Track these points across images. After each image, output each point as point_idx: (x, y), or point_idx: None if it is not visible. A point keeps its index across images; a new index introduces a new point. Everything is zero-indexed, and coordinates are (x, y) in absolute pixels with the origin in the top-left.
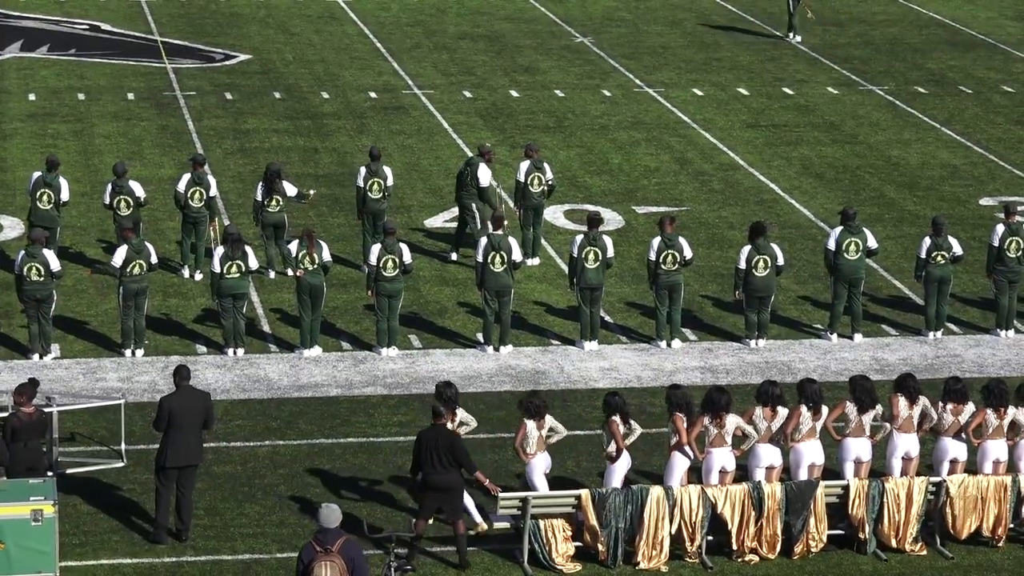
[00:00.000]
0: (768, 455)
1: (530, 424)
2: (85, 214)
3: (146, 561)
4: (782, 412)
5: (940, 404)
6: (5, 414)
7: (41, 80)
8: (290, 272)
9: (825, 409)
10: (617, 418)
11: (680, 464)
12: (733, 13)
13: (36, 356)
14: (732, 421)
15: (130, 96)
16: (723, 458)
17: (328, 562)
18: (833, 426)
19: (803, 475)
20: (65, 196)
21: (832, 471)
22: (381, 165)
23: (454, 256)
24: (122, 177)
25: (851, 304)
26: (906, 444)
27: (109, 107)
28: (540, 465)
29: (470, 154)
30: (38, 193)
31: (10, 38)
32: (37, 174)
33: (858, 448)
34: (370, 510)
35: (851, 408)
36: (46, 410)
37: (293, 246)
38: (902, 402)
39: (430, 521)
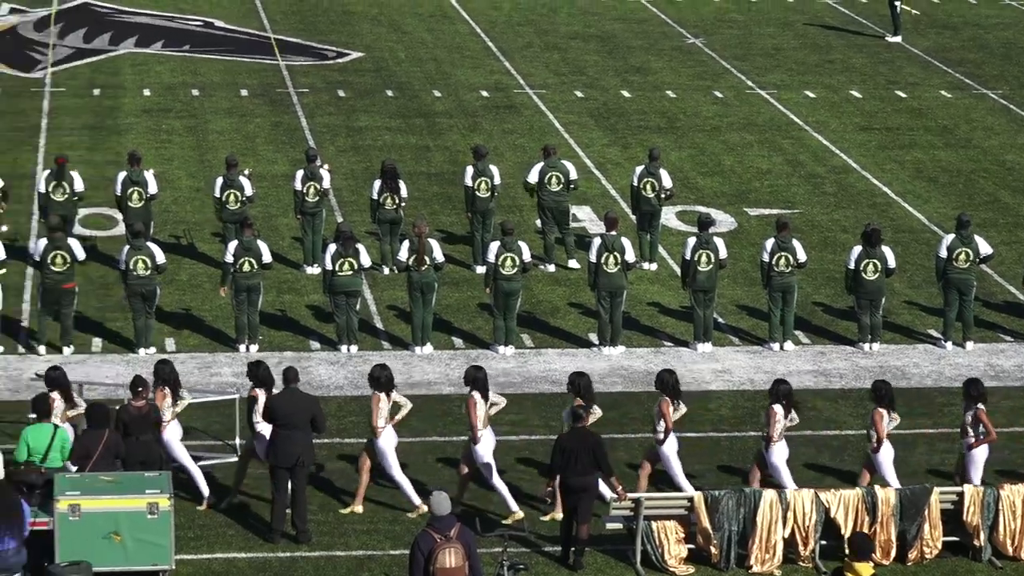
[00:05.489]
0: None
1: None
2: (200, 209)
3: (260, 556)
4: None
5: None
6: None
7: (156, 76)
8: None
9: None
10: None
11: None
12: (845, 15)
13: (141, 351)
14: None
15: (243, 92)
16: None
17: (451, 548)
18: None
19: None
20: (153, 190)
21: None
22: (488, 163)
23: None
24: (232, 170)
25: (962, 311)
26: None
27: (223, 103)
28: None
29: (581, 154)
30: (127, 191)
31: (125, 34)
32: (123, 173)
33: None
34: (482, 508)
35: None
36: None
37: (404, 250)
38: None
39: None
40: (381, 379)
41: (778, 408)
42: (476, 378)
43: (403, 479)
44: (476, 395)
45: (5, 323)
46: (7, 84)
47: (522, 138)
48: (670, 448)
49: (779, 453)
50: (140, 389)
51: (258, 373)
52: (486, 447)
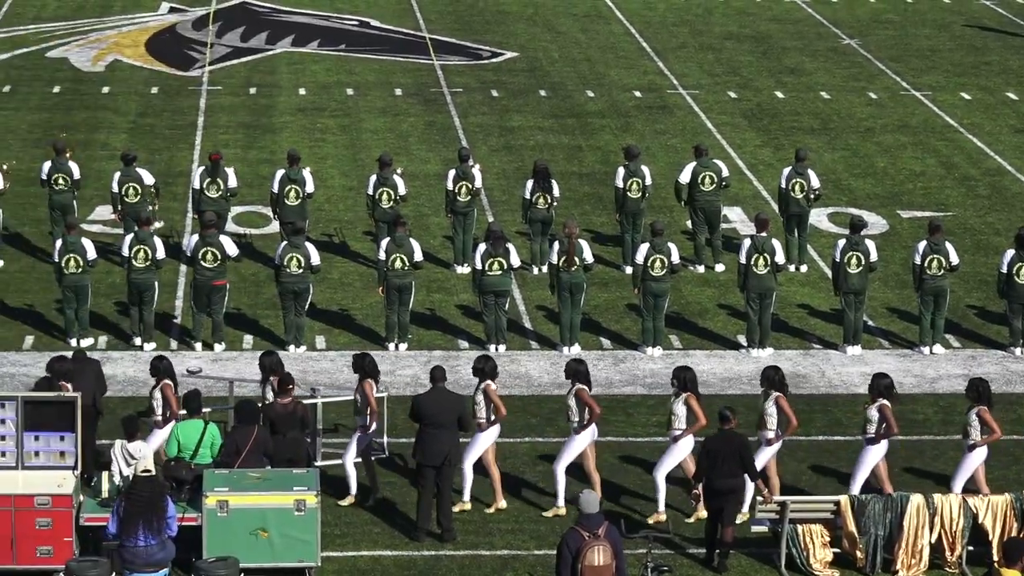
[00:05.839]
0: None
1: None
2: (352, 208)
3: (406, 554)
4: None
5: None
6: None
7: (311, 75)
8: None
9: None
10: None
11: None
12: (1003, 16)
13: (291, 348)
14: None
15: (397, 92)
16: None
17: (600, 547)
18: None
19: None
20: (310, 188)
21: None
22: (640, 164)
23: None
24: (386, 168)
25: None
26: None
27: (377, 102)
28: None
29: (733, 155)
30: (285, 189)
31: (282, 33)
32: (281, 171)
33: None
34: (627, 509)
35: None
36: (309, 402)
37: (554, 254)
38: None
39: (684, 520)
40: (486, 369)
41: (888, 403)
42: (577, 371)
43: (469, 472)
44: (582, 386)
45: (158, 319)
46: (165, 82)
47: (674, 139)
48: (774, 448)
49: (880, 451)
50: (288, 386)
51: (364, 364)
52: (585, 440)
